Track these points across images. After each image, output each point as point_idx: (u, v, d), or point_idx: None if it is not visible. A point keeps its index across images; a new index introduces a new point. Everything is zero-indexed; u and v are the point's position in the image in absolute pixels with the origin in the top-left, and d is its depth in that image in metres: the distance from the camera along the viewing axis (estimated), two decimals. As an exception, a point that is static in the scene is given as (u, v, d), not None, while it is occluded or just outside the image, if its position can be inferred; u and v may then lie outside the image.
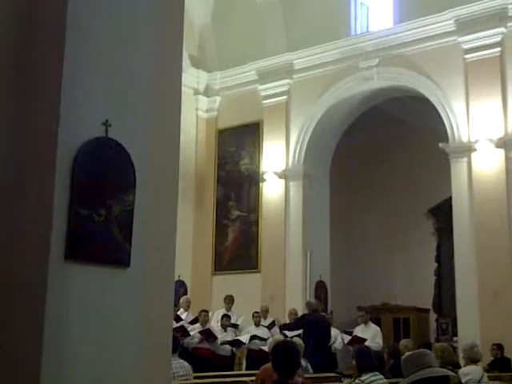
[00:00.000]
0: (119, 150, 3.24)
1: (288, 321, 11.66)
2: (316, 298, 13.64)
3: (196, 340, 10.57)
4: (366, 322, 11.81)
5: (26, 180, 3.10)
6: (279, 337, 9.02)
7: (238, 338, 11.07)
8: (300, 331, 10.27)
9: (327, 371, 8.74)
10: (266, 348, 9.20)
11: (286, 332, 10.50)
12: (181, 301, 11.95)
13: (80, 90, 3.13)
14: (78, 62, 3.13)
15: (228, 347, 11.02)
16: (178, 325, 10.45)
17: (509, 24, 11.96)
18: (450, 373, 3.58)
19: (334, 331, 11.51)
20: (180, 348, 8.41)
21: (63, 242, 2.97)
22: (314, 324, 9.76)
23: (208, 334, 10.60)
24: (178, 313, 11.20)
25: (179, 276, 13.13)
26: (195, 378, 7.09)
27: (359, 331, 11.66)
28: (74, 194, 3.03)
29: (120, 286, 3.19)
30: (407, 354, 3.59)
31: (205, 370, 8.62)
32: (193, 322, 11.04)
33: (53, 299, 2.91)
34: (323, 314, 11.73)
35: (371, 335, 11.43)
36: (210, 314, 11.68)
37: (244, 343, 10.97)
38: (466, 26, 12.25)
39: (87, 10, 3.21)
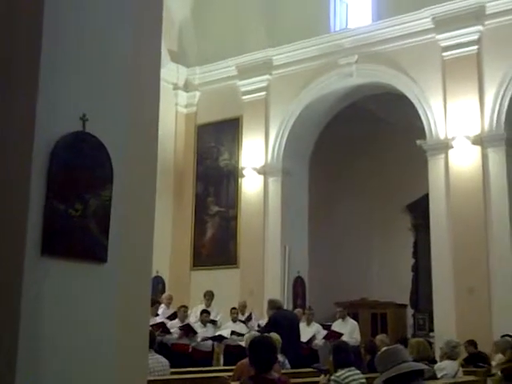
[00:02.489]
0: (96, 144, 3.22)
1: (267, 317, 11.67)
2: (294, 294, 13.71)
3: (176, 336, 10.56)
4: (343, 317, 11.87)
5: (1, 174, 3.07)
6: (256, 332, 9.03)
7: (220, 333, 11.07)
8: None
9: (305, 367, 8.77)
10: (243, 343, 9.20)
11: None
12: (163, 297, 11.95)
13: (57, 83, 3.10)
14: (56, 55, 3.11)
15: (209, 343, 11.02)
16: (159, 321, 10.45)
17: (486, 22, 12.08)
18: (424, 366, 3.62)
19: (314, 326, 11.54)
20: (157, 344, 8.40)
21: (39, 238, 2.95)
22: (285, 323, 9.69)
23: (188, 329, 10.59)
24: (159, 309, 11.19)
25: (157, 271, 13.11)
26: (173, 373, 7.08)
27: (337, 326, 11.71)
28: (50, 188, 3.01)
29: (97, 282, 3.18)
30: (381, 350, 3.63)
31: (184, 366, 8.62)
32: (171, 318, 11.03)
33: (29, 295, 2.89)
34: (290, 310, 11.73)
35: (349, 330, 11.50)
36: (189, 309, 11.70)
37: (226, 338, 10.99)
38: (443, 23, 12.35)
39: (64, 4, 3.18)
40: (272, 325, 9.50)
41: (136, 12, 3.58)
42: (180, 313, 10.90)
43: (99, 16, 3.35)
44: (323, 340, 11.40)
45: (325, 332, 11.60)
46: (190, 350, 10.71)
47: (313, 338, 11.34)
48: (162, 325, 10.35)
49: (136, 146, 3.50)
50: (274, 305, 10.10)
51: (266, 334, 6.48)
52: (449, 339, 7.91)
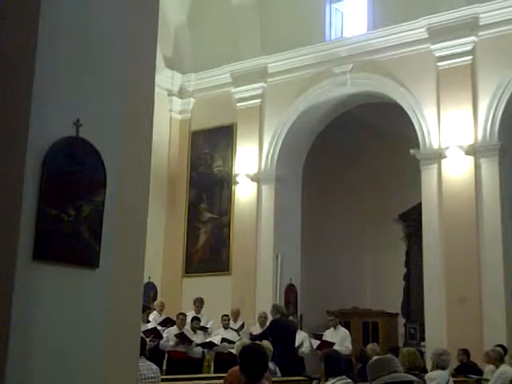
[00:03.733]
0: (90, 149, 3.22)
1: (258, 324, 11.66)
2: (286, 302, 13.68)
3: (172, 343, 10.52)
4: (335, 326, 11.85)
5: (-6, 178, 3.07)
6: (247, 340, 9.01)
7: (210, 339, 11.04)
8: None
9: (294, 375, 8.77)
10: (234, 351, 9.18)
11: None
12: (155, 303, 11.89)
13: (51, 89, 3.10)
14: (50, 60, 3.11)
15: (199, 349, 10.98)
16: (151, 327, 10.41)
17: (480, 33, 12.15)
18: (414, 378, 3.62)
19: (301, 335, 11.52)
20: (151, 350, 8.37)
21: (31, 242, 2.95)
22: (284, 330, 9.72)
23: (183, 338, 10.56)
24: (150, 315, 11.15)
25: (149, 278, 13.07)
26: (164, 380, 7.06)
27: (329, 335, 11.70)
28: (43, 193, 3.01)
29: (88, 287, 3.17)
30: (372, 359, 3.62)
31: (176, 373, 8.60)
32: (163, 324, 10.99)
33: (20, 299, 2.88)
34: (291, 318, 11.73)
35: (340, 339, 11.47)
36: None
37: (217, 345, 10.94)
38: (438, 34, 12.41)
39: (59, 10, 3.19)
40: (271, 329, 9.57)
41: (131, 18, 3.59)
42: (178, 320, 10.85)
43: (94, 22, 3.36)
44: (309, 348, 11.39)
45: (313, 341, 11.57)
46: (184, 357, 10.67)
47: (299, 346, 11.31)
48: (154, 331, 10.32)
49: (129, 151, 3.50)
50: (277, 310, 10.28)
51: (257, 342, 6.47)
52: (437, 348, 7.91)
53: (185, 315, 11.17)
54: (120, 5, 3.51)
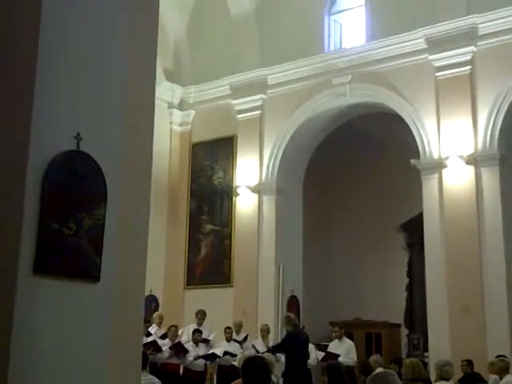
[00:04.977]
0: (90, 163, 3.22)
1: (260, 337, 11.61)
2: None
3: (166, 355, 10.47)
4: (340, 338, 11.81)
5: (-5, 193, 3.06)
6: (249, 352, 8.98)
7: (213, 351, 10.99)
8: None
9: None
10: (236, 363, 9.15)
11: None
12: (154, 316, 11.84)
13: (52, 102, 3.10)
14: (50, 74, 3.11)
15: (201, 362, 10.93)
16: (150, 340, 10.36)
17: (479, 43, 12.18)
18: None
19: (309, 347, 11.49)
20: (151, 363, 8.31)
21: (32, 256, 2.94)
22: (299, 342, 9.63)
23: (179, 349, 10.50)
24: (150, 328, 11.10)
25: (151, 290, 13.03)
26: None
27: (333, 346, 11.66)
28: (44, 207, 3.00)
29: (90, 301, 3.16)
30: (372, 374, 3.61)
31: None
32: (163, 337, 10.94)
33: (21, 313, 2.87)
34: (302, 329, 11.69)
35: (345, 350, 11.43)
36: (180, 329, 11.60)
37: (219, 356, 10.89)
38: (436, 44, 12.45)
39: (60, 22, 3.20)
40: (291, 340, 9.46)
41: (131, 32, 3.60)
42: (170, 332, 10.81)
43: (94, 35, 3.37)
44: (316, 360, 11.33)
45: (319, 353, 11.53)
46: (181, 369, 10.61)
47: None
48: (153, 343, 10.27)
49: (130, 164, 3.50)
50: (291, 321, 10.10)
51: (259, 355, 6.44)
52: (439, 359, 7.87)
53: (176, 327, 11.15)
54: (120, 19, 3.52)
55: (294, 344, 9.30)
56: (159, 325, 11.60)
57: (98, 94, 3.33)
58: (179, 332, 11.44)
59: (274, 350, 10.23)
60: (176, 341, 10.73)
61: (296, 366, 8.87)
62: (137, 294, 3.51)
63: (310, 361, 11.32)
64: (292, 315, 10.65)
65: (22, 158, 3.00)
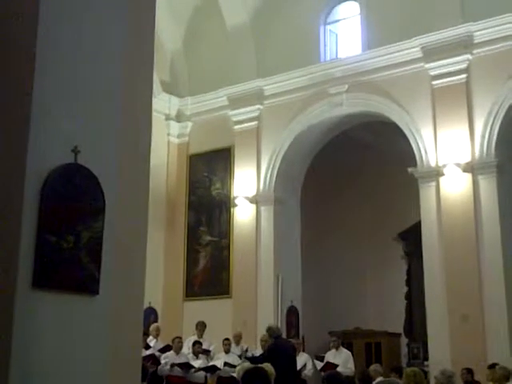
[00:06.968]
0: (88, 176, 3.22)
1: (260, 348, 11.56)
2: (288, 324, 13.59)
3: (168, 367, 10.43)
4: (337, 347, 11.78)
5: (-8, 207, 3.06)
6: (248, 363, 8.91)
7: (213, 363, 10.95)
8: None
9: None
10: (235, 375, 9.09)
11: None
12: (150, 328, 11.80)
13: (49, 116, 3.11)
14: (48, 88, 3.12)
15: (202, 374, 10.89)
16: (148, 353, 10.32)
17: (474, 51, 12.22)
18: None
19: (303, 356, 11.41)
20: (150, 376, 8.29)
21: (31, 270, 2.94)
22: (283, 353, 9.49)
23: (187, 368, 10.49)
24: (148, 340, 11.06)
25: (150, 303, 13.00)
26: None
27: (331, 356, 11.62)
28: (42, 220, 3.00)
29: (89, 314, 3.15)
30: (374, 382, 3.60)
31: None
32: (162, 350, 10.88)
33: (20, 327, 2.86)
34: (289, 339, 11.60)
35: (343, 360, 11.40)
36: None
37: (219, 369, 10.86)
38: (432, 52, 12.49)
39: (57, 36, 3.21)
40: (270, 354, 9.35)
41: (128, 44, 3.61)
42: (174, 344, 10.77)
43: (91, 48, 3.38)
44: (312, 370, 11.29)
45: (317, 363, 11.49)
46: (183, 381, 10.57)
47: (302, 369, 11.21)
48: (152, 357, 10.23)
49: (128, 177, 3.51)
50: (273, 332, 9.78)
51: (259, 365, 6.40)
52: (443, 369, 7.82)
53: (181, 338, 11.10)
54: (117, 31, 3.53)
55: (276, 355, 9.07)
56: (156, 337, 11.52)
57: (96, 108, 3.34)
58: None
59: (255, 360, 10.03)
60: (180, 352, 10.67)
61: (284, 377, 8.68)
62: (136, 306, 3.50)
63: (305, 371, 11.26)
64: (273, 326, 10.38)
65: (20, 172, 3.00)
